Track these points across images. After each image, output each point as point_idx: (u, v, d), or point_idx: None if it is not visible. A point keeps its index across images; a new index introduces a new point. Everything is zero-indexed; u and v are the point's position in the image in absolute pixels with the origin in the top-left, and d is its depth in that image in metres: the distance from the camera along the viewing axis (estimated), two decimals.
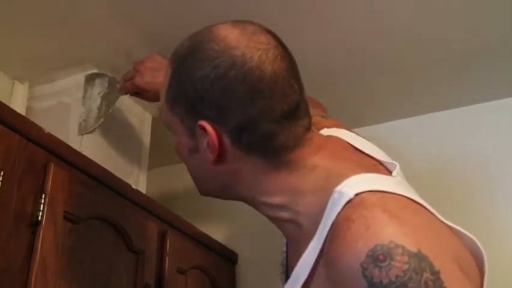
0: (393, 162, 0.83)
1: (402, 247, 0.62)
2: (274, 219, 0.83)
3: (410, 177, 0.85)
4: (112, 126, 1.45)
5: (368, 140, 0.92)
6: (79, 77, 1.47)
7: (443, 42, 1.46)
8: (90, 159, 1.17)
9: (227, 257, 1.69)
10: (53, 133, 1.08)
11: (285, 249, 0.91)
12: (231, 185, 0.83)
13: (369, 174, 0.74)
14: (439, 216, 0.72)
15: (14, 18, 1.33)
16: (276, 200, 0.80)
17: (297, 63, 0.82)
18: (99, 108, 1.36)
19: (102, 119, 1.35)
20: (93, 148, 1.38)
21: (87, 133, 1.34)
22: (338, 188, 0.70)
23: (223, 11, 1.30)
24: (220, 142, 0.77)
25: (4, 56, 1.46)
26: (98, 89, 1.39)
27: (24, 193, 0.96)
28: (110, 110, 1.36)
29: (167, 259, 1.33)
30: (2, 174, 0.91)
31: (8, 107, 0.98)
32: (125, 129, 1.54)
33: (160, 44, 1.31)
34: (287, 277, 0.84)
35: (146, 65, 1.23)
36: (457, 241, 0.72)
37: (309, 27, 1.39)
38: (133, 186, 1.29)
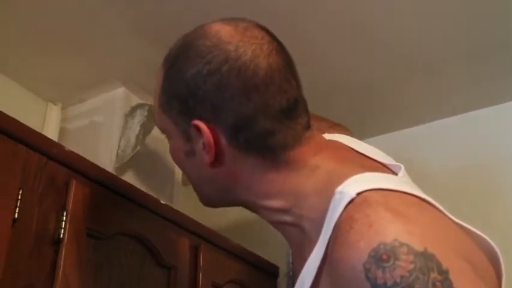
0: (398, 164, 0.78)
1: (407, 246, 0.57)
2: (277, 224, 0.79)
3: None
4: (148, 143, 1.46)
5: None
6: (108, 95, 1.48)
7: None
8: (114, 175, 1.17)
9: (267, 271, 1.65)
10: (86, 152, 1.08)
11: (290, 258, 0.87)
12: (231, 189, 0.79)
13: (372, 173, 0.70)
14: (450, 215, 0.67)
15: (44, 41, 1.37)
16: (278, 203, 0.76)
17: (293, 59, 0.79)
18: (137, 137, 1.37)
19: (138, 147, 1.36)
20: (124, 164, 1.38)
21: (124, 162, 1.35)
22: (339, 188, 0.66)
23: None
24: (216, 142, 0.74)
25: (37, 78, 1.50)
26: (138, 118, 1.40)
27: (45, 211, 0.96)
28: (146, 137, 1.37)
29: (200, 274, 1.31)
30: (20, 192, 0.92)
31: (26, 126, 0.98)
32: (157, 144, 1.53)
33: None
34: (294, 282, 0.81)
35: None
36: (470, 241, 0.66)
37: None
38: (162, 201, 1.27)
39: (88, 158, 1.17)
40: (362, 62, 1.48)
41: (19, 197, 0.91)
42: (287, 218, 0.76)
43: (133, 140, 1.36)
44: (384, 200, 0.63)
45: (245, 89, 0.72)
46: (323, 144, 0.80)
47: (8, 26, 1.30)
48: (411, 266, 0.56)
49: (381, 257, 0.57)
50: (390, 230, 0.59)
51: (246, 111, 0.72)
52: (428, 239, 0.59)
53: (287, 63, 0.77)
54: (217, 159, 0.75)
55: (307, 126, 0.78)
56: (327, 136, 0.87)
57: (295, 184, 0.74)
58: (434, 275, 0.56)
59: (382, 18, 1.32)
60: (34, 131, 1.01)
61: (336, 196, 0.66)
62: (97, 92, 1.50)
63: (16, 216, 0.90)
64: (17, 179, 0.92)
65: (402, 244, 0.57)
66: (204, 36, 0.76)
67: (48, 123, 1.52)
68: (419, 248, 0.57)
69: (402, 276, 0.56)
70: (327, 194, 0.68)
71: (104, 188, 1.11)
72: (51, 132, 1.51)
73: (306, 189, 0.73)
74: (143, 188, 1.27)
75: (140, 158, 1.42)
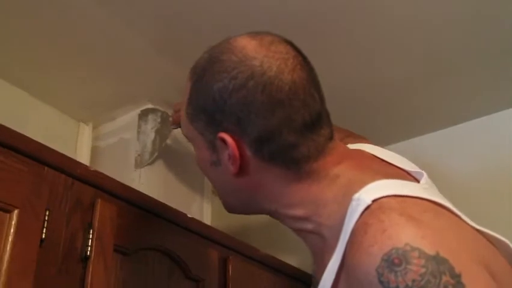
0: (421, 171, 0.79)
1: (419, 250, 0.59)
2: (299, 232, 0.82)
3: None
4: (171, 157, 1.49)
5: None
6: (135, 114, 1.52)
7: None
8: (139, 192, 1.20)
9: (301, 280, 1.66)
10: (116, 168, 1.12)
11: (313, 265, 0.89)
12: (254, 198, 0.82)
13: (390, 180, 0.71)
14: (468, 221, 0.68)
15: (73, 63, 1.43)
16: (300, 212, 0.78)
17: (316, 73, 0.81)
18: (153, 143, 1.41)
19: (156, 153, 1.40)
20: (153, 180, 1.42)
21: (143, 167, 1.38)
22: (356, 195, 0.68)
23: None
24: (241, 154, 0.77)
25: (68, 100, 1.56)
26: (151, 124, 1.44)
27: (73, 230, 1.00)
28: (164, 144, 1.40)
29: (230, 285, 1.32)
30: (47, 213, 0.96)
31: (51, 149, 1.02)
32: (185, 158, 1.57)
33: None
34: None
35: None
36: (489, 245, 0.67)
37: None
38: (189, 215, 1.30)
39: (119, 173, 1.21)
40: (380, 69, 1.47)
41: (46, 218, 0.95)
42: (308, 226, 0.78)
43: (149, 145, 1.39)
44: (399, 205, 0.64)
45: (270, 104, 0.74)
46: (345, 154, 0.81)
47: (38, 51, 1.36)
48: (423, 270, 0.57)
49: (393, 261, 0.59)
50: (403, 235, 0.60)
51: (270, 125, 0.75)
52: (440, 243, 0.60)
53: (311, 78, 0.78)
54: (242, 170, 0.78)
55: (330, 138, 0.79)
56: (352, 146, 0.90)
57: (316, 193, 0.77)
58: (446, 278, 0.57)
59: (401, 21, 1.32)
60: (60, 153, 1.05)
61: (353, 203, 0.68)
62: (125, 111, 1.55)
63: (43, 236, 0.94)
64: (44, 201, 0.96)
65: (414, 248, 0.59)
66: (230, 51, 0.78)
67: (81, 142, 1.58)
68: (430, 252, 0.58)
69: (413, 280, 0.57)
70: (345, 201, 0.70)
71: (130, 205, 1.14)
72: (84, 150, 1.56)
73: (326, 198, 0.75)
74: (172, 202, 1.30)
75: (168, 170, 1.46)
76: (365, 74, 1.47)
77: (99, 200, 1.06)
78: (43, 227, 0.94)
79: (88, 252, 1.00)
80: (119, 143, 1.53)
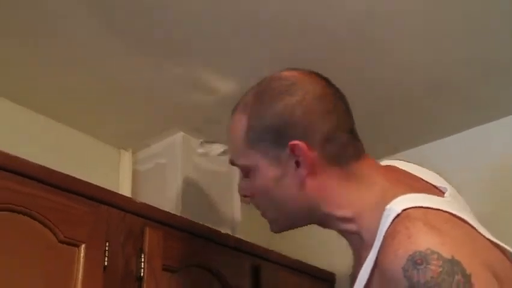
0: (445, 185, 0.94)
1: (438, 253, 0.74)
2: (343, 233, 0.95)
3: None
4: (204, 179, 1.68)
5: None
6: (169, 140, 1.71)
7: None
8: (179, 216, 1.39)
9: (324, 279, 1.84)
10: (154, 190, 1.29)
11: (352, 261, 1.02)
12: (315, 203, 0.93)
13: (417, 194, 0.86)
14: (484, 232, 0.84)
15: (111, 97, 1.60)
16: (348, 212, 0.92)
17: None
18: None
19: None
20: (188, 201, 1.61)
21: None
22: (389, 206, 0.83)
23: None
24: (311, 156, 0.89)
25: (109, 131, 1.75)
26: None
27: (127, 256, 1.20)
28: None
29: None
30: (107, 244, 1.16)
31: (105, 189, 1.22)
32: (217, 177, 1.75)
33: None
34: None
35: None
36: (498, 254, 0.82)
37: None
38: (222, 231, 1.49)
39: (156, 195, 1.39)
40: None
41: (106, 248, 1.16)
42: (352, 227, 0.92)
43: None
44: (424, 216, 0.80)
45: (326, 112, 0.91)
46: (379, 165, 0.97)
47: (79, 87, 1.54)
48: (440, 269, 0.73)
49: (416, 261, 0.74)
50: (425, 241, 0.75)
51: (330, 128, 0.91)
52: (456, 249, 0.75)
53: (344, 100, 0.96)
54: (310, 172, 0.91)
55: (363, 149, 0.96)
56: (385, 162, 1.04)
57: (358, 196, 0.91)
58: (458, 277, 0.72)
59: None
60: (112, 191, 1.25)
61: (386, 212, 0.83)
62: (160, 138, 1.74)
63: (106, 264, 1.14)
64: (103, 234, 1.17)
65: (433, 252, 0.74)
66: (279, 79, 0.94)
67: (122, 167, 1.77)
68: (447, 255, 0.73)
69: (432, 277, 0.73)
70: (380, 209, 0.84)
71: (172, 229, 1.33)
72: (125, 174, 1.76)
73: (366, 203, 0.90)
74: (208, 222, 1.49)
75: (202, 195, 1.65)
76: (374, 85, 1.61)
77: (147, 228, 1.26)
78: (105, 256, 1.15)
79: (141, 273, 1.21)
80: (155, 167, 1.72)
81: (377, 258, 0.83)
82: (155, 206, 1.35)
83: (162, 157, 1.71)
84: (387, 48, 1.47)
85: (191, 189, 1.64)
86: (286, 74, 0.95)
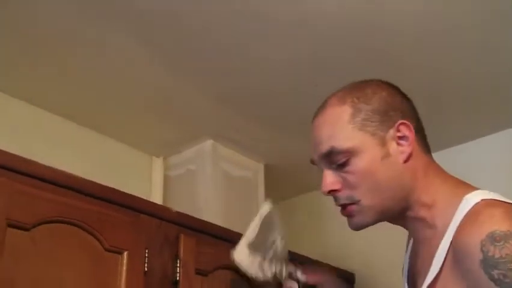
0: None
1: None
2: (417, 220, 1.00)
3: None
4: (231, 184, 1.78)
5: None
6: (199, 147, 1.82)
7: None
8: (210, 223, 1.50)
9: (343, 278, 1.93)
10: (184, 195, 1.39)
11: (408, 252, 1.09)
12: (407, 184, 0.99)
13: (488, 192, 0.94)
14: None
15: (144, 106, 1.72)
16: (429, 198, 0.98)
17: None
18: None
19: None
20: (217, 205, 1.72)
21: None
22: (467, 196, 0.92)
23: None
24: (413, 137, 0.98)
25: (142, 139, 1.86)
26: None
27: (164, 261, 1.31)
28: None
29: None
30: (147, 251, 1.27)
31: (144, 200, 1.33)
32: (242, 182, 1.86)
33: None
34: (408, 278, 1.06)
35: None
36: None
37: None
38: None
39: (186, 199, 1.49)
40: None
41: (146, 255, 1.27)
42: (428, 214, 0.98)
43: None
44: (503, 206, 0.88)
45: (412, 106, 1.03)
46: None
47: (116, 99, 1.66)
48: None
49: (495, 238, 0.82)
50: (506, 224, 0.83)
51: (418, 119, 1.02)
52: None
53: None
54: (411, 153, 0.98)
55: None
56: None
57: (437, 185, 0.99)
58: None
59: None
60: (148, 201, 1.36)
61: (464, 201, 0.91)
62: (190, 145, 1.85)
63: (146, 269, 1.26)
64: (143, 241, 1.28)
65: (509, 235, 0.81)
66: (370, 80, 1.05)
67: (154, 173, 1.89)
68: None
69: (507, 254, 0.80)
70: (455, 200, 0.93)
71: (204, 235, 1.44)
72: (157, 180, 1.87)
73: (442, 193, 0.97)
74: (233, 221, 1.60)
75: (230, 200, 1.76)
76: None
77: (182, 235, 1.37)
78: (145, 262, 1.26)
79: (177, 277, 1.32)
80: (186, 173, 1.83)
81: (452, 240, 0.89)
82: (185, 209, 1.46)
83: (192, 163, 1.82)
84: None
85: (219, 194, 1.75)
86: (372, 79, 1.05)
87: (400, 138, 0.98)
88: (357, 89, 1.03)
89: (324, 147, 1.00)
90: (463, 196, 0.92)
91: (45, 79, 1.57)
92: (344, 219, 1.04)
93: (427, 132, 1.03)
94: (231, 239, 1.51)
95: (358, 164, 0.99)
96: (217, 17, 1.37)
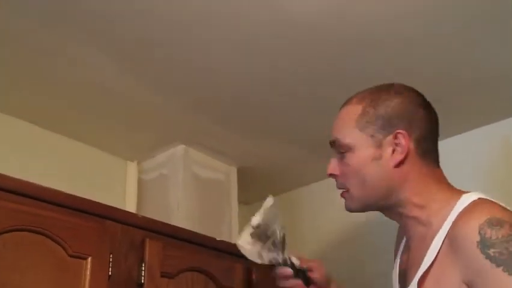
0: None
1: (510, 223, 0.90)
2: (409, 219, 1.10)
3: None
4: (204, 187, 1.83)
5: None
6: (171, 152, 1.87)
7: None
8: (176, 227, 1.55)
9: None
10: (158, 198, 1.45)
11: (400, 251, 1.18)
12: (395, 185, 1.09)
13: (479, 193, 1.02)
14: None
15: (120, 114, 1.76)
16: (421, 200, 1.07)
17: None
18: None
19: None
20: (189, 208, 1.77)
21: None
22: (465, 195, 1.02)
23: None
24: (408, 146, 1.07)
25: (116, 144, 1.91)
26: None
27: (129, 265, 1.36)
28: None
29: None
30: (111, 256, 1.32)
31: (108, 206, 1.38)
32: (214, 185, 1.91)
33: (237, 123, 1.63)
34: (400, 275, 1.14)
35: None
36: None
37: None
38: (217, 238, 1.64)
39: (160, 202, 1.53)
40: None
41: (110, 259, 1.32)
42: (421, 214, 1.07)
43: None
44: (499, 205, 0.97)
45: (428, 117, 1.11)
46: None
47: (87, 106, 1.71)
48: (510, 232, 0.89)
49: (492, 222, 0.91)
50: (502, 213, 0.93)
51: (429, 129, 1.10)
52: None
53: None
54: (402, 160, 1.08)
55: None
56: None
57: (434, 192, 1.08)
58: None
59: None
60: (114, 207, 1.40)
61: (462, 199, 1.01)
62: (162, 150, 1.90)
63: (110, 273, 1.31)
64: (107, 247, 1.33)
65: (507, 221, 0.91)
66: (392, 86, 1.14)
67: (129, 176, 1.94)
68: None
69: (502, 236, 0.89)
70: (453, 201, 1.02)
71: (170, 238, 1.49)
72: (131, 183, 1.92)
73: (439, 198, 1.06)
74: (206, 228, 1.65)
75: (201, 198, 1.81)
76: None
77: (147, 239, 1.41)
78: (109, 266, 1.31)
79: (142, 280, 1.37)
80: (159, 177, 1.88)
81: (448, 232, 0.98)
82: (158, 212, 1.50)
83: (164, 167, 1.87)
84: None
85: (190, 197, 1.80)
86: (397, 84, 1.14)
87: (396, 145, 1.07)
88: (376, 92, 1.13)
89: (333, 136, 1.14)
90: (460, 196, 1.02)
91: (18, 88, 1.61)
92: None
93: None
94: (198, 241, 1.57)
95: (351, 159, 1.12)
96: (182, 27, 1.41)
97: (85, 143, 1.87)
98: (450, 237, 0.97)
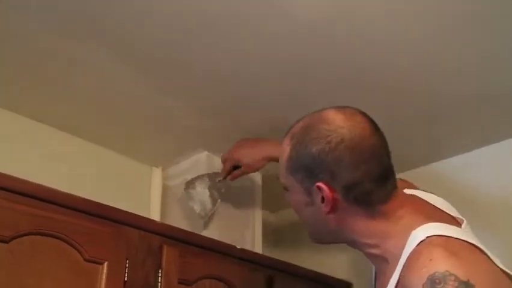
0: (462, 217, 1.07)
1: (455, 276, 0.85)
2: (369, 255, 1.09)
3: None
4: (227, 193, 1.82)
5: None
6: (195, 158, 1.87)
7: None
8: (195, 234, 1.54)
9: (334, 286, 1.94)
10: (182, 204, 1.54)
11: (373, 280, 1.16)
12: (338, 229, 1.08)
13: (439, 223, 0.98)
14: (496, 261, 0.94)
15: (144, 123, 1.78)
16: (372, 240, 1.05)
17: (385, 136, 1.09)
18: (211, 196, 1.72)
19: (219, 200, 1.73)
20: (213, 214, 1.76)
21: (206, 219, 1.71)
22: (414, 232, 0.96)
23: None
24: (333, 197, 1.03)
25: (142, 150, 1.92)
26: (201, 186, 1.74)
27: (146, 271, 1.36)
28: (220, 199, 1.73)
29: None
30: (127, 261, 1.32)
31: (125, 211, 1.38)
32: (239, 192, 1.89)
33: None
34: None
35: (236, 146, 1.65)
36: (506, 280, 0.92)
37: None
38: (238, 246, 1.62)
39: (184, 208, 1.53)
40: None
41: (126, 265, 1.32)
42: (376, 251, 1.06)
43: (207, 200, 1.71)
44: (445, 243, 0.92)
45: (356, 162, 1.02)
46: (405, 200, 1.09)
47: (113, 114, 1.72)
48: (455, 285, 0.84)
49: (435, 281, 0.86)
50: (444, 264, 0.87)
51: (356, 177, 1.02)
52: (472, 273, 0.86)
53: (382, 140, 1.07)
54: (333, 209, 1.05)
55: (395, 186, 1.08)
56: (408, 191, 1.16)
57: (385, 229, 1.04)
58: None
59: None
60: (131, 213, 1.40)
61: (411, 237, 0.96)
62: (187, 156, 1.90)
63: (126, 279, 1.30)
64: (124, 252, 1.33)
65: (451, 274, 0.86)
66: (323, 122, 1.06)
67: (153, 183, 1.95)
68: (463, 278, 0.85)
69: None
70: (406, 236, 0.98)
71: (188, 245, 1.48)
72: (156, 189, 1.93)
73: (392, 233, 1.03)
74: (227, 238, 1.64)
75: (224, 207, 1.80)
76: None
77: (165, 246, 1.41)
78: (125, 272, 1.31)
79: (159, 286, 1.36)
80: (183, 183, 1.87)
81: (399, 277, 0.95)
82: (182, 219, 1.50)
83: (188, 174, 1.87)
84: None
85: (211, 209, 1.78)
86: (332, 116, 1.05)
87: (322, 195, 1.03)
88: (304, 131, 1.06)
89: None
90: (411, 231, 0.96)
91: (45, 94, 1.62)
92: None
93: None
94: (217, 249, 1.56)
95: (291, 199, 1.13)
96: (202, 34, 1.41)
97: (110, 149, 1.88)
98: (401, 285, 0.94)
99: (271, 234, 2.19)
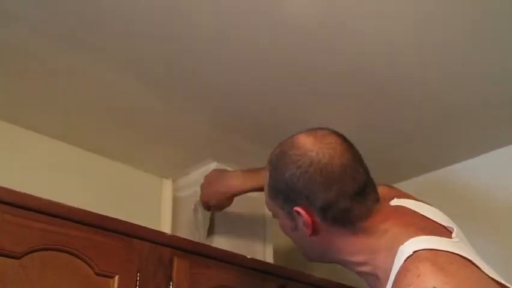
0: (452, 225, 1.05)
1: None
2: (359, 273, 1.09)
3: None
4: (237, 203, 1.82)
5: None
6: (205, 169, 1.88)
7: None
8: (205, 245, 1.55)
9: None
10: (192, 215, 1.52)
11: None
12: (326, 251, 1.10)
13: (428, 236, 0.97)
14: (488, 272, 0.93)
15: (155, 134, 1.80)
16: (360, 258, 1.05)
17: (359, 152, 1.09)
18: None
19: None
20: (222, 225, 1.77)
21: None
22: (401, 247, 0.96)
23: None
24: (312, 220, 1.05)
25: (152, 162, 1.94)
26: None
27: (157, 283, 1.37)
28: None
29: None
30: (138, 274, 1.33)
31: (136, 225, 1.39)
32: (248, 202, 1.89)
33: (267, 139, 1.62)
34: None
35: (203, 187, 1.66)
36: None
37: None
38: (248, 256, 1.63)
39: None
40: None
41: (137, 278, 1.33)
42: (366, 269, 1.06)
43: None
44: (433, 257, 0.91)
45: (327, 183, 1.03)
46: (390, 212, 1.09)
47: (123, 127, 1.75)
48: None
49: None
50: (432, 280, 0.86)
51: (329, 197, 1.03)
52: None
53: (356, 157, 1.08)
54: (314, 231, 1.07)
55: (377, 200, 1.08)
56: (396, 201, 1.15)
57: (370, 244, 1.04)
58: None
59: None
60: (141, 226, 1.41)
61: (399, 253, 0.96)
62: (197, 167, 1.91)
63: None
64: (135, 265, 1.34)
65: None
66: (294, 147, 1.08)
67: (164, 194, 1.96)
68: None
69: None
70: (393, 251, 0.97)
71: (199, 256, 1.49)
72: (167, 200, 1.94)
73: (379, 247, 1.03)
74: (237, 248, 1.64)
75: (234, 219, 1.80)
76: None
77: (175, 258, 1.42)
78: (136, 285, 1.32)
79: None
80: (193, 194, 1.88)
81: None
82: (194, 230, 1.50)
83: (198, 185, 1.88)
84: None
85: (224, 214, 1.79)
86: (302, 140, 1.08)
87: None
88: (280, 157, 1.09)
89: None
90: (399, 246, 0.96)
91: (51, 108, 1.65)
92: None
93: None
94: (228, 259, 1.57)
95: (279, 223, 1.15)
96: (207, 47, 1.42)
97: (120, 161, 1.90)
98: None
99: (283, 243, 2.18)
